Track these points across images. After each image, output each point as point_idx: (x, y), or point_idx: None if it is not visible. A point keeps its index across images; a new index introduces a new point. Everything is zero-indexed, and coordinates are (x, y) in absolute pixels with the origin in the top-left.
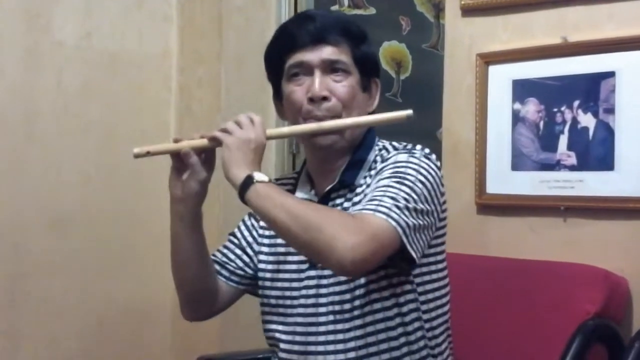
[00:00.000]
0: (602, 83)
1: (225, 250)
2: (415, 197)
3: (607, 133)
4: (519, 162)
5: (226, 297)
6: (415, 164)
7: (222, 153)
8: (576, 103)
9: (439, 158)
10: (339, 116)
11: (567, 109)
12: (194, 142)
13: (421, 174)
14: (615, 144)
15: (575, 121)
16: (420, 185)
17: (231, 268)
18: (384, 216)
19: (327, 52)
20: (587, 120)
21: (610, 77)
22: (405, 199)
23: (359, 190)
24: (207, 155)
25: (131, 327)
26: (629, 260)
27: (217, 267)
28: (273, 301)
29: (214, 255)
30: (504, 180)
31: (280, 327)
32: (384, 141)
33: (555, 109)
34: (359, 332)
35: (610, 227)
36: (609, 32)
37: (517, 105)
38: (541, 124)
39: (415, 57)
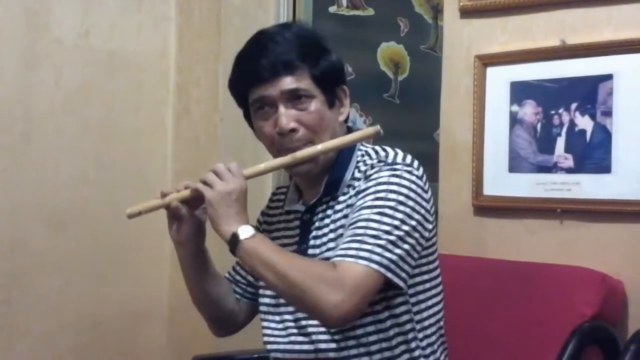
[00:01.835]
0: (599, 86)
1: (237, 268)
2: (397, 223)
3: (604, 136)
4: (516, 164)
5: (247, 312)
6: (396, 183)
7: (208, 209)
8: (574, 105)
9: (435, 159)
10: (311, 142)
11: (565, 111)
12: (179, 194)
13: (402, 194)
14: (612, 146)
15: (572, 124)
16: (401, 207)
17: (242, 286)
18: (365, 262)
19: (286, 82)
20: (584, 123)
21: (608, 79)
22: (387, 232)
23: (341, 199)
24: (196, 200)
25: (127, 325)
26: (626, 263)
27: (232, 285)
28: (267, 300)
29: (228, 274)
30: (501, 182)
31: (270, 331)
32: (367, 145)
33: (553, 111)
34: (350, 334)
35: (607, 229)
36: (607, 34)
37: (515, 107)
38: (539, 126)
39: (414, 59)
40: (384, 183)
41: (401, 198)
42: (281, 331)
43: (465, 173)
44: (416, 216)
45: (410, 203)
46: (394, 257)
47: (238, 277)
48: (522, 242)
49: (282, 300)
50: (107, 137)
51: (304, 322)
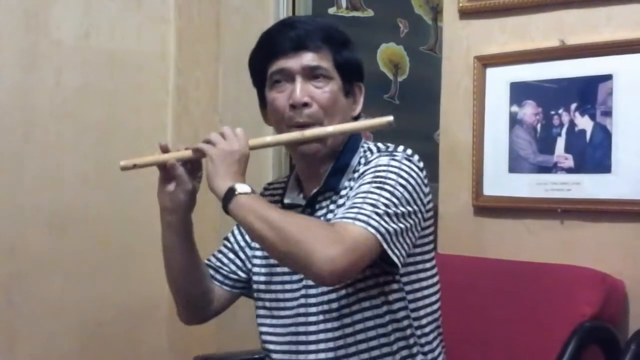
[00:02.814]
0: (599, 86)
1: (219, 255)
2: (395, 201)
3: (604, 136)
4: (516, 164)
5: (221, 301)
6: (396, 167)
7: (207, 165)
8: (573, 106)
9: (435, 160)
10: (320, 122)
11: (565, 111)
12: (179, 153)
13: (402, 177)
14: (612, 146)
15: (572, 124)
16: (400, 188)
17: (225, 272)
18: (362, 224)
19: (308, 58)
20: (584, 123)
21: (608, 80)
22: (386, 205)
23: (343, 192)
24: (193, 166)
25: (128, 326)
26: (626, 262)
27: (212, 271)
28: (267, 304)
29: (208, 259)
30: (501, 182)
31: (271, 330)
32: (369, 142)
33: (553, 112)
34: (348, 330)
35: (607, 229)
36: (607, 35)
37: (515, 108)
38: (538, 127)
39: (413, 60)
40: (383, 165)
41: (401, 180)
42: (280, 336)
43: (465, 173)
44: (413, 204)
45: (409, 187)
46: (390, 229)
47: (219, 264)
48: (523, 242)
49: (281, 304)
50: (107, 138)
51: (302, 319)
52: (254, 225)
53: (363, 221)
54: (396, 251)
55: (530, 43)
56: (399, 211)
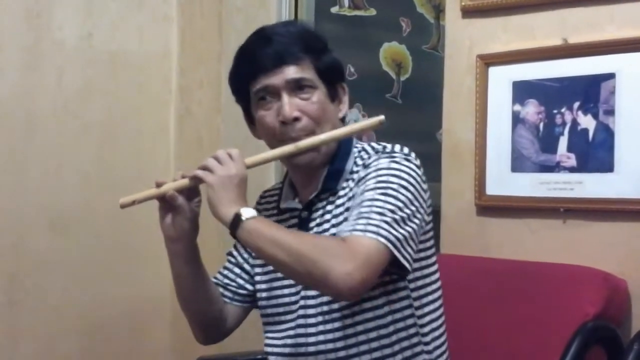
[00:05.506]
0: (602, 85)
1: (225, 272)
2: (400, 205)
3: (607, 135)
4: (518, 163)
5: (234, 317)
6: (397, 169)
7: (207, 193)
8: (576, 105)
9: (438, 159)
10: (312, 133)
11: (567, 110)
12: (176, 183)
13: (403, 179)
14: (615, 145)
15: (575, 123)
16: (403, 190)
17: (232, 288)
18: (374, 236)
19: (290, 72)
20: (587, 122)
21: (611, 78)
22: (392, 211)
23: (341, 193)
24: (191, 192)
25: (130, 327)
26: (629, 262)
27: (220, 289)
28: (269, 310)
29: (215, 277)
30: (503, 181)
31: (271, 334)
32: (362, 143)
33: (555, 111)
34: (349, 331)
35: (610, 229)
36: (609, 33)
37: (517, 107)
38: (541, 126)
39: (416, 58)
40: (384, 168)
41: (403, 182)
42: (281, 340)
43: (467, 173)
44: (416, 203)
45: (411, 188)
46: (399, 235)
47: (227, 280)
48: (525, 242)
49: (281, 309)
50: (109, 139)
51: (302, 321)
52: (266, 249)
53: (373, 232)
54: (407, 255)
55: (533, 42)
56: (404, 215)
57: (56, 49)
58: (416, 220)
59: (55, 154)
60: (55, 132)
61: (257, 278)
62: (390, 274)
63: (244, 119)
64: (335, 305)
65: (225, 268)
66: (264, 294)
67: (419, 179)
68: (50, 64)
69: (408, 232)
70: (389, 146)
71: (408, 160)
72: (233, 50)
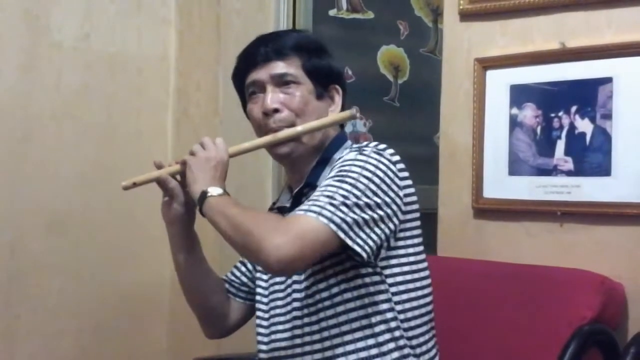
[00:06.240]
0: (599, 89)
1: (234, 269)
2: (357, 192)
3: (604, 139)
4: (516, 167)
5: (238, 314)
6: (362, 160)
7: (186, 174)
8: (574, 108)
9: (435, 162)
10: (293, 125)
11: (565, 114)
12: (170, 168)
13: (366, 169)
14: (612, 149)
15: (572, 126)
16: (364, 179)
17: (237, 285)
18: (314, 215)
19: (276, 67)
20: (584, 126)
21: (608, 82)
22: (344, 196)
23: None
24: (184, 177)
25: (127, 328)
26: (626, 265)
27: (227, 285)
28: (264, 307)
29: (226, 275)
30: (501, 185)
31: (262, 330)
32: (355, 144)
33: (553, 114)
34: (332, 322)
35: (607, 232)
36: (607, 38)
37: (515, 110)
38: (538, 129)
39: (413, 62)
40: (349, 160)
41: (365, 172)
42: (268, 336)
43: (465, 176)
44: (380, 194)
45: (376, 180)
46: (347, 219)
47: (232, 277)
48: (522, 245)
49: (274, 303)
50: (107, 141)
51: (297, 313)
52: (217, 221)
53: (315, 212)
54: (359, 240)
55: (531, 45)
56: (361, 202)
57: (54, 50)
58: (379, 212)
59: (53, 155)
60: (53, 133)
61: (258, 275)
62: (362, 264)
63: (240, 120)
64: (318, 297)
65: (235, 266)
66: (263, 291)
67: (389, 172)
68: (49, 66)
69: (363, 218)
70: (366, 143)
71: (378, 154)
72: (231, 53)
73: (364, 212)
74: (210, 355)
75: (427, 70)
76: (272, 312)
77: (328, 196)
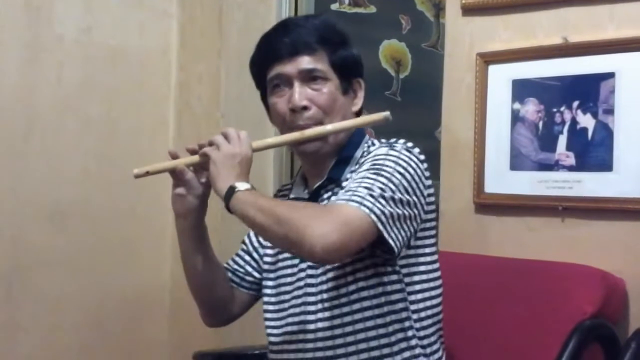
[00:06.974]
0: (601, 84)
1: (236, 258)
2: (392, 187)
3: (606, 134)
4: (517, 161)
5: (240, 303)
6: (394, 156)
7: (210, 167)
8: (576, 103)
9: (437, 157)
10: (321, 122)
11: (567, 109)
12: (187, 159)
13: (400, 165)
14: (614, 145)
15: (574, 122)
16: (398, 175)
17: (241, 274)
18: (355, 204)
19: (304, 62)
20: (586, 121)
21: (610, 78)
22: (381, 189)
23: (344, 184)
24: (202, 169)
25: (128, 321)
26: (627, 261)
27: (229, 274)
28: (273, 299)
29: (227, 263)
30: (502, 179)
31: (273, 323)
32: (373, 139)
33: (555, 109)
34: (347, 319)
35: (608, 227)
36: (610, 32)
37: (517, 105)
38: (540, 124)
39: (415, 56)
40: (382, 154)
41: (398, 168)
42: (281, 328)
43: (466, 171)
44: (410, 192)
45: (408, 177)
46: (385, 211)
47: (236, 266)
48: (524, 240)
49: (283, 297)
50: (109, 134)
51: (303, 308)
52: (251, 215)
53: (356, 202)
54: (392, 234)
55: (533, 40)
56: (395, 196)
57: (56, 43)
58: (409, 209)
59: (55, 148)
60: (55, 126)
61: (265, 267)
62: (381, 260)
63: (241, 113)
64: (334, 293)
65: (237, 255)
66: (270, 282)
67: (418, 171)
68: (50, 59)
69: (397, 213)
70: (394, 140)
71: (409, 152)
72: (233, 46)
73: (397, 207)
74: (211, 349)
75: (429, 65)
76: (280, 307)
77: (366, 187)
